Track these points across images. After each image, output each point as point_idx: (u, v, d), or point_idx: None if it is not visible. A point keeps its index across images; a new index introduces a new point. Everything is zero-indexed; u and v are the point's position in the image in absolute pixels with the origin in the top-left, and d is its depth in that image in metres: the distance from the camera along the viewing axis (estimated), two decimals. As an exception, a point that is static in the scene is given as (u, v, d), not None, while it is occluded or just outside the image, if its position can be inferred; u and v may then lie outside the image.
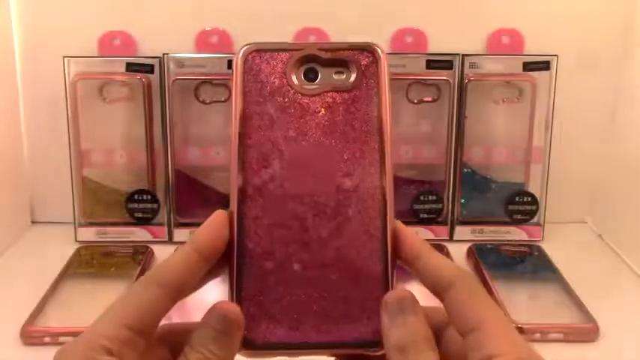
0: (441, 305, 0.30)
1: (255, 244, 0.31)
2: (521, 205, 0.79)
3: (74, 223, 0.78)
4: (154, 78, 0.76)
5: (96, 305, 0.32)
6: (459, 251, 0.76)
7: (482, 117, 0.79)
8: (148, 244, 0.76)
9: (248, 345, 0.31)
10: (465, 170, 0.79)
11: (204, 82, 0.76)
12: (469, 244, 0.77)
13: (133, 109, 0.77)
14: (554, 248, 0.76)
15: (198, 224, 0.31)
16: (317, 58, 0.33)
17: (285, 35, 0.77)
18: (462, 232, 0.80)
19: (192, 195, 0.79)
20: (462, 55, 0.76)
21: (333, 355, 0.32)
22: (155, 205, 0.78)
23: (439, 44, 0.78)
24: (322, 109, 0.32)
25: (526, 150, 0.79)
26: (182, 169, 0.78)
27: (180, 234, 0.78)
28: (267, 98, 0.32)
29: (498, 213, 0.79)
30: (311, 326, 0.31)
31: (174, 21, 0.78)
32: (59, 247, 0.75)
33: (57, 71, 0.74)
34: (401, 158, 0.78)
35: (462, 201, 0.80)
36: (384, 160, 0.32)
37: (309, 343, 0.31)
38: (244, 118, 0.32)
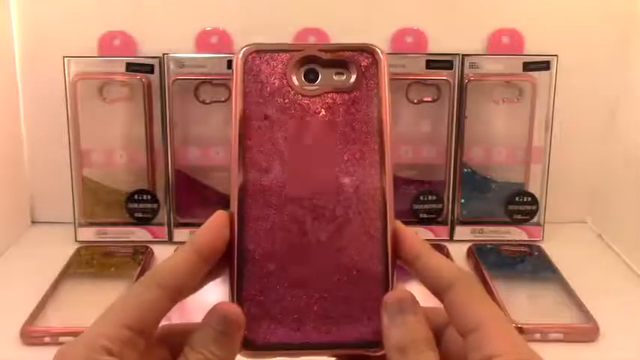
0: (441, 306, 0.30)
1: (255, 244, 0.31)
2: (521, 205, 0.79)
3: (74, 223, 0.78)
4: (154, 78, 0.76)
5: (96, 305, 0.32)
6: (459, 251, 0.76)
7: (483, 117, 0.79)
8: (148, 244, 0.76)
9: (248, 345, 0.31)
10: (465, 170, 0.79)
11: (204, 82, 0.76)
12: (469, 244, 0.77)
13: (133, 109, 0.77)
14: (554, 248, 0.76)
15: (198, 224, 0.31)
16: (317, 59, 0.33)
17: (285, 35, 0.77)
18: (462, 232, 0.80)
19: (192, 195, 0.79)
20: (462, 55, 0.76)
21: (333, 356, 0.32)
22: (155, 205, 0.78)
23: (439, 44, 0.78)
24: (322, 110, 0.32)
25: (526, 150, 0.79)
26: (182, 169, 0.78)
27: (180, 234, 0.78)
28: (267, 99, 0.32)
29: (498, 213, 0.79)
30: (311, 326, 0.31)
31: (174, 21, 0.78)
32: (59, 247, 0.75)
33: (57, 71, 0.74)
34: (401, 158, 0.78)
35: (462, 201, 0.80)
36: (383, 161, 0.32)
37: (310, 343, 0.31)
38: (244, 119, 0.32)
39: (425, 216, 0.79)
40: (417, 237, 0.32)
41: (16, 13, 0.78)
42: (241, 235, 0.31)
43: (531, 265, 0.74)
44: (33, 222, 0.84)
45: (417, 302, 0.30)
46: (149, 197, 0.77)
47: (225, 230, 0.31)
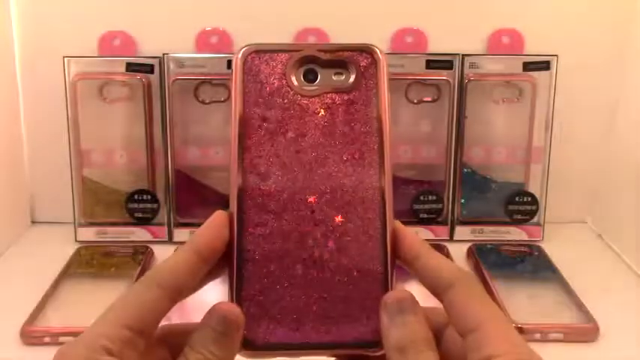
0: (441, 306, 0.30)
1: (254, 244, 0.31)
2: (521, 205, 0.79)
3: (74, 223, 0.78)
4: (154, 78, 0.76)
5: (96, 305, 0.32)
6: (459, 251, 0.76)
7: (482, 117, 0.79)
8: (148, 244, 0.76)
9: (248, 345, 0.31)
10: (465, 170, 0.79)
11: (203, 82, 0.76)
12: (469, 244, 0.77)
13: (133, 109, 0.77)
14: (554, 248, 0.76)
15: (198, 224, 0.31)
16: (316, 59, 0.33)
17: (285, 35, 0.77)
18: (462, 232, 0.80)
19: (192, 195, 0.79)
20: (462, 55, 0.76)
21: (332, 356, 0.32)
22: (155, 205, 0.78)
23: (439, 44, 0.78)
24: (321, 110, 0.32)
25: (526, 150, 0.79)
26: (182, 169, 0.78)
27: (180, 234, 0.78)
28: (267, 99, 0.32)
29: (498, 213, 0.79)
30: (311, 326, 0.31)
31: (174, 21, 0.78)
32: (59, 247, 0.75)
33: (57, 71, 0.74)
34: (400, 158, 0.78)
35: (462, 201, 0.80)
36: (383, 161, 0.32)
37: (309, 343, 0.31)
38: (244, 119, 0.32)
39: (425, 216, 0.79)
40: (416, 237, 0.32)
41: (16, 13, 0.78)
42: (241, 235, 0.31)
43: (531, 265, 0.74)
44: (33, 222, 0.84)
45: (417, 302, 0.30)
46: (149, 197, 0.77)
47: (224, 230, 0.31)
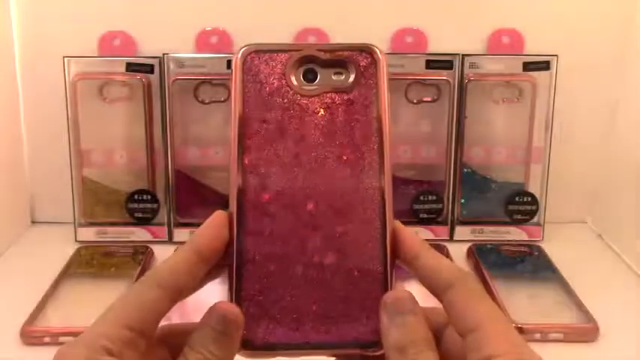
0: (441, 306, 0.30)
1: (254, 244, 0.31)
2: (521, 205, 0.79)
3: (74, 223, 0.78)
4: (154, 78, 0.76)
5: (96, 305, 0.32)
6: (459, 251, 0.76)
7: (482, 117, 0.79)
8: (148, 244, 0.76)
9: (248, 345, 0.31)
10: (465, 170, 0.79)
11: (203, 82, 0.76)
12: (469, 244, 0.77)
13: (133, 109, 0.77)
14: (554, 248, 0.76)
15: (198, 224, 0.31)
16: (316, 59, 0.33)
17: (285, 35, 0.77)
18: (462, 232, 0.80)
19: (192, 195, 0.79)
20: (462, 55, 0.76)
21: (332, 355, 0.32)
22: (155, 205, 0.78)
23: (439, 44, 0.78)
24: (321, 110, 0.32)
25: (526, 150, 0.79)
26: (182, 169, 0.78)
27: (180, 234, 0.78)
28: (267, 99, 0.32)
29: (498, 213, 0.79)
30: (310, 326, 0.31)
31: (174, 21, 0.78)
32: (59, 247, 0.75)
33: (57, 71, 0.74)
34: (400, 158, 0.78)
35: (462, 201, 0.80)
36: (383, 161, 0.32)
37: (309, 343, 0.31)
38: (243, 119, 0.32)
39: (425, 216, 0.79)
40: (416, 237, 0.32)
41: (16, 13, 0.78)
42: (240, 235, 0.31)
43: (531, 265, 0.74)
44: (33, 222, 0.84)
45: (417, 302, 0.30)
46: (149, 197, 0.77)
47: (224, 230, 0.31)
